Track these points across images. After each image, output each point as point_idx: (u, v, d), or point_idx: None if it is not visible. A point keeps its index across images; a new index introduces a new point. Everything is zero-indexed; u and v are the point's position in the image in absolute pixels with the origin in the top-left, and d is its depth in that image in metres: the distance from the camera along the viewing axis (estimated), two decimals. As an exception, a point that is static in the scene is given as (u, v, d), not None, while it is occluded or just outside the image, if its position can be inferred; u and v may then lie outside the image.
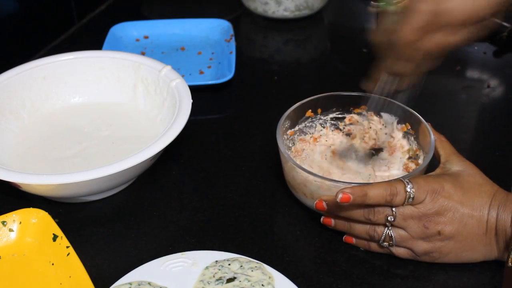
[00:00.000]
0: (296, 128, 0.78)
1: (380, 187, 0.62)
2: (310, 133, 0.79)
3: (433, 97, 0.95)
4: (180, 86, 0.79)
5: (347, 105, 0.79)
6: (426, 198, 0.61)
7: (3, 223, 0.65)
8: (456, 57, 1.06)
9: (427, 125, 0.72)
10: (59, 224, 0.64)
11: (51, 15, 1.09)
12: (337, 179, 0.71)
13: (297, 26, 1.16)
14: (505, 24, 1.08)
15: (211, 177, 0.79)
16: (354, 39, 1.14)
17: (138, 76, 0.85)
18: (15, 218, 0.65)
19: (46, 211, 0.65)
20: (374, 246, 0.66)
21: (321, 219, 0.68)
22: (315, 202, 0.66)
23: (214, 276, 0.61)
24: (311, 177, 0.66)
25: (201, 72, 1.00)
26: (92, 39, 1.07)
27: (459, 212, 0.61)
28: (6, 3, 0.97)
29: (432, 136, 0.70)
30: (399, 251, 0.65)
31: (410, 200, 0.61)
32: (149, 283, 0.61)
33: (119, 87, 0.87)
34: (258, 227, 0.72)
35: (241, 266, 0.62)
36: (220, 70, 0.99)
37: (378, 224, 0.64)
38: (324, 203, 0.65)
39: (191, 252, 0.64)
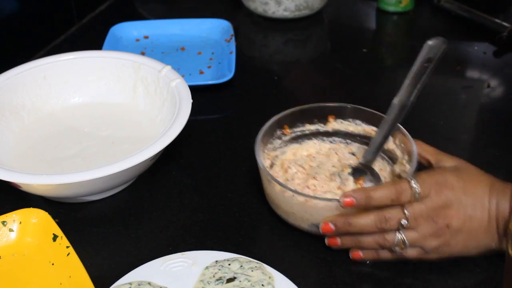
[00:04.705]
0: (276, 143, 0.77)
1: (384, 188, 0.62)
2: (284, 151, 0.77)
3: (433, 97, 0.95)
4: (180, 86, 0.79)
5: (317, 117, 0.78)
6: (431, 191, 0.61)
7: (3, 223, 0.65)
8: (456, 57, 1.06)
9: (406, 133, 0.70)
10: (59, 224, 0.64)
11: (51, 15, 1.09)
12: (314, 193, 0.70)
13: (297, 26, 1.16)
14: (505, 24, 1.08)
15: (211, 177, 0.79)
16: (354, 39, 1.14)
17: (138, 76, 0.85)
18: (15, 218, 0.65)
19: (46, 211, 0.65)
20: (384, 254, 0.65)
21: (326, 241, 0.66)
22: (321, 227, 0.65)
23: (214, 276, 0.61)
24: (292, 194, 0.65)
25: (201, 72, 1.00)
26: (92, 39, 1.07)
27: (464, 204, 0.62)
28: (6, 3, 0.97)
29: (413, 141, 0.69)
30: (410, 253, 0.64)
31: (417, 195, 0.61)
32: (149, 283, 0.61)
33: (119, 87, 0.87)
34: (258, 227, 0.72)
35: (241, 266, 0.62)
36: (220, 70, 0.99)
37: (389, 231, 0.63)
38: (331, 225, 0.64)
39: (191, 252, 0.64)
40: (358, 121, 0.76)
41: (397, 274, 0.65)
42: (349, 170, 0.73)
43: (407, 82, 0.69)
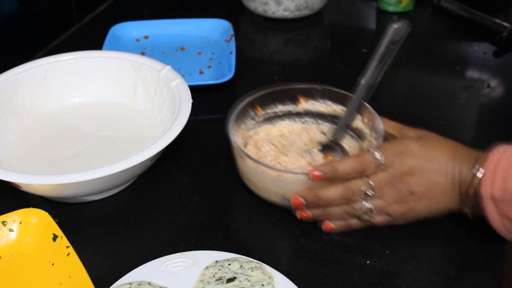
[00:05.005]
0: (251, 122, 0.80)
1: (349, 160, 0.65)
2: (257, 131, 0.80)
3: (433, 97, 0.95)
4: (180, 86, 0.79)
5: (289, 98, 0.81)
6: (394, 160, 0.64)
7: (3, 223, 0.65)
8: (456, 57, 1.06)
9: (373, 111, 0.74)
10: (59, 224, 0.64)
11: (51, 15, 1.09)
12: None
13: (297, 26, 1.16)
14: (505, 24, 1.08)
15: (211, 177, 0.79)
16: (354, 39, 1.14)
17: (138, 76, 0.85)
18: (15, 218, 0.65)
19: (46, 211, 0.65)
20: (354, 223, 0.68)
21: (297, 214, 0.69)
22: (292, 201, 0.67)
23: (214, 276, 0.61)
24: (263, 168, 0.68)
25: (201, 72, 1.00)
26: (92, 39, 1.07)
27: (427, 170, 0.64)
28: (6, 3, 0.97)
29: (379, 119, 0.72)
30: (378, 219, 0.67)
31: (381, 165, 0.64)
32: (149, 283, 0.61)
33: (119, 87, 0.87)
34: (258, 227, 0.72)
35: (241, 266, 0.62)
36: (220, 70, 0.99)
37: (356, 201, 0.65)
38: (301, 199, 0.67)
39: (191, 252, 0.64)
40: (328, 102, 0.80)
41: (398, 276, 0.65)
42: (319, 146, 0.76)
43: (373, 63, 0.72)
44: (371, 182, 0.64)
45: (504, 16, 1.16)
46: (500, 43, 1.06)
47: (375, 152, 0.64)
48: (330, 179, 0.65)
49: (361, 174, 0.64)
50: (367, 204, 0.65)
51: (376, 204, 0.65)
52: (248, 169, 0.71)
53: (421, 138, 0.67)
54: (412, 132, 0.69)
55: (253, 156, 0.73)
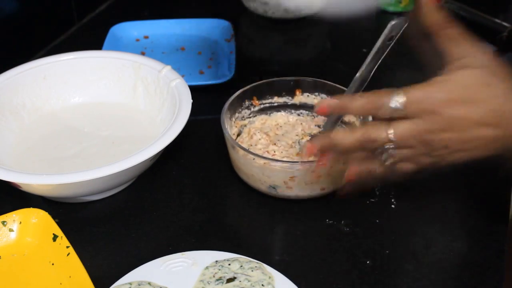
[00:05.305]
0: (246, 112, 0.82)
1: (362, 98, 0.60)
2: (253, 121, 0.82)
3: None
4: (180, 86, 0.79)
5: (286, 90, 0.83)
6: (421, 115, 0.57)
7: (3, 223, 0.65)
8: (456, 57, 1.06)
9: None
10: (59, 224, 0.64)
11: (51, 15, 1.09)
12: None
13: (297, 26, 1.16)
14: (505, 24, 1.08)
15: (211, 177, 0.79)
16: (354, 39, 1.14)
17: (138, 76, 0.85)
18: (15, 218, 0.65)
19: (46, 211, 0.65)
20: (378, 170, 0.61)
21: (315, 167, 0.66)
22: (306, 149, 0.63)
23: (214, 276, 0.61)
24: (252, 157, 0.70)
25: (201, 72, 1.00)
26: (92, 39, 1.07)
27: (466, 123, 0.56)
28: (6, 3, 0.97)
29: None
30: (404, 167, 0.61)
31: (398, 112, 0.57)
32: (149, 283, 0.61)
33: (119, 87, 0.87)
34: (258, 227, 0.72)
35: (241, 266, 0.62)
36: (220, 70, 0.99)
37: (376, 150, 0.60)
38: (315, 144, 0.62)
39: (191, 252, 0.64)
40: (323, 95, 0.81)
41: (399, 276, 0.65)
42: (308, 137, 0.77)
43: (369, 58, 0.70)
44: (391, 132, 0.57)
45: (504, 16, 1.15)
46: (500, 43, 1.06)
47: (394, 98, 0.57)
48: (337, 113, 0.64)
49: (373, 115, 0.59)
50: (388, 153, 0.59)
51: (400, 154, 0.59)
52: (237, 157, 0.73)
53: (467, 75, 0.57)
54: (468, 53, 0.60)
55: (244, 144, 0.76)
